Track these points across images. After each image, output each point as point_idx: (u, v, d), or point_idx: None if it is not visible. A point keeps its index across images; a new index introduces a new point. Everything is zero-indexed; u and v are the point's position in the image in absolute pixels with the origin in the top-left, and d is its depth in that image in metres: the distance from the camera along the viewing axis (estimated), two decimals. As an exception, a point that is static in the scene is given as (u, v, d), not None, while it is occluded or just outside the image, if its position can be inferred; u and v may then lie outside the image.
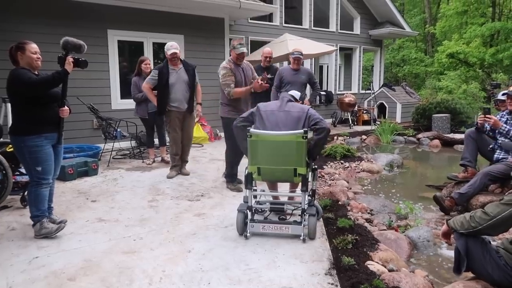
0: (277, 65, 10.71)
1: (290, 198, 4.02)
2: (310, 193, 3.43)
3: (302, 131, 3.18)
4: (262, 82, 4.45)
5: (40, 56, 3.28)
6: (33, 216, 3.33)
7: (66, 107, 3.40)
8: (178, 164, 5.47)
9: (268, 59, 6.10)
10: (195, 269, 2.79)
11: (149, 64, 6.11)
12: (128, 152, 6.86)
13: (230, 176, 4.81)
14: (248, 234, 3.28)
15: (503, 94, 4.74)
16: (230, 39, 9.07)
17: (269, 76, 6.14)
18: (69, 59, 3.28)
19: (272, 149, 3.27)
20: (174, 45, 5.21)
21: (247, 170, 3.37)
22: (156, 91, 5.32)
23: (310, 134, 3.33)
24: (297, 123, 3.32)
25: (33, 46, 3.25)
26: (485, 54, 18.66)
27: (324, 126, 3.35)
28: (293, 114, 3.36)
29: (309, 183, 3.35)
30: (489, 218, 2.07)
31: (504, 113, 4.46)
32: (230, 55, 4.78)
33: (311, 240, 3.25)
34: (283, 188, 4.23)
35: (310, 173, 3.40)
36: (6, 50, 3.30)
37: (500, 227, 2.12)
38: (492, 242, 2.37)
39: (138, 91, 5.93)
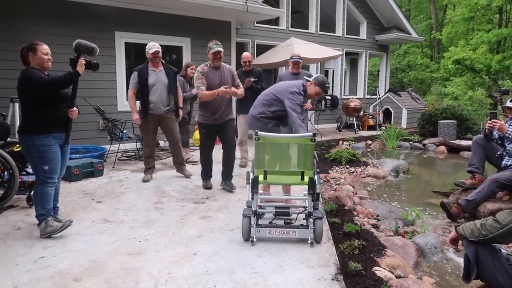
0: (285, 69, 10.72)
1: (288, 201, 3.99)
2: (316, 196, 3.41)
3: (311, 134, 3.17)
4: (233, 89, 4.47)
5: (51, 58, 3.31)
6: (39, 215, 3.33)
7: (75, 108, 3.43)
8: (152, 166, 5.37)
9: (247, 63, 6.27)
10: (200, 272, 2.77)
11: (194, 69, 6.13)
12: (134, 153, 6.87)
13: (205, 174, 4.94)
14: (254, 239, 3.25)
15: (511, 101, 4.70)
16: (237, 43, 9.13)
17: (252, 79, 6.20)
18: (81, 61, 3.30)
19: (280, 152, 3.26)
20: (156, 45, 5.10)
21: (252, 174, 3.35)
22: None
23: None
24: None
25: (45, 48, 3.27)
26: (492, 60, 18.58)
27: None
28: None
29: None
30: (501, 226, 2.04)
31: (513, 120, 4.43)
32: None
33: (318, 245, 3.23)
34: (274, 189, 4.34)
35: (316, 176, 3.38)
36: (14, 51, 3.31)
37: (510, 236, 2.09)
38: (502, 250, 2.33)
39: (183, 91, 5.99)
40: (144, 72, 5.06)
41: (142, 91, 5.06)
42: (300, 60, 5.69)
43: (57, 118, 3.32)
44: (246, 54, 6.35)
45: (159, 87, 5.08)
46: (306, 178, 3.29)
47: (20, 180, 4.08)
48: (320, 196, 3.68)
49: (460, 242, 2.47)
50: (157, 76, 5.10)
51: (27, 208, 4.06)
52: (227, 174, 4.86)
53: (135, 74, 5.08)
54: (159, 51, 5.06)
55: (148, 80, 5.03)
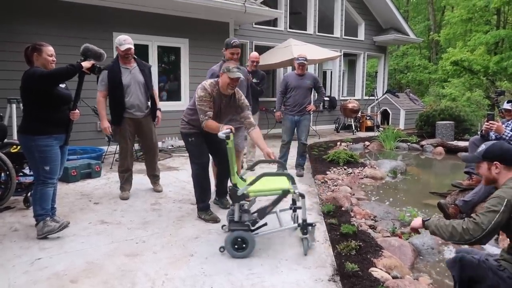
0: (283, 70, 10.75)
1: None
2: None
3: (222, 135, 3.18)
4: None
5: (55, 59, 3.31)
6: (37, 215, 3.34)
7: (77, 110, 3.44)
8: (130, 180, 4.72)
9: (255, 63, 6.13)
10: (197, 273, 2.77)
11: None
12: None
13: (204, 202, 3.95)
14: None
15: (508, 102, 4.72)
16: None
17: (254, 80, 6.20)
18: (90, 61, 3.32)
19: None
20: (127, 40, 4.36)
21: (230, 182, 3.29)
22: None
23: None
24: None
25: (50, 49, 3.29)
26: (490, 62, 18.63)
27: None
28: None
29: None
30: (483, 229, 2.05)
31: (510, 122, 4.45)
32: (216, 77, 3.73)
33: (315, 246, 3.23)
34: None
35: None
36: (12, 52, 3.32)
37: (492, 234, 2.11)
38: (489, 258, 2.30)
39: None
40: (115, 70, 4.36)
41: (115, 93, 4.37)
42: (305, 62, 5.66)
43: (59, 120, 3.34)
44: (255, 54, 6.22)
45: (135, 87, 4.44)
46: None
47: (17, 181, 4.07)
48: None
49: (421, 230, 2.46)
50: (132, 75, 4.43)
51: (24, 209, 4.06)
52: (222, 192, 4.25)
53: (104, 73, 4.31)
54: (131, 48, 4.37)
55: (122, 80, 4.36)
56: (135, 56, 4.54)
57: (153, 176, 4.90)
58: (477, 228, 2.06)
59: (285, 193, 3.07)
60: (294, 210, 3.58)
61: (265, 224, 3.27)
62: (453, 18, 20.76)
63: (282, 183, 3.25)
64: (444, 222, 2.23)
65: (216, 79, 3.66)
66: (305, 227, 3.10)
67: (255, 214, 3.16)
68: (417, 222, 2.44)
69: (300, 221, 3.19)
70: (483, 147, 2.38)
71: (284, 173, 3.30)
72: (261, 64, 8.64)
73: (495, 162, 2.27)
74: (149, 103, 4.65)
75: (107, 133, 4.54)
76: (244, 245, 3.01)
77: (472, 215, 2.19)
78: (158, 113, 4.73)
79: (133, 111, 4.46)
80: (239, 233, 3.01)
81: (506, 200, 2.05)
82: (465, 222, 2.12)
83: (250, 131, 3.67)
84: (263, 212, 3.14)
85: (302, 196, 3.06)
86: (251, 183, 3.08)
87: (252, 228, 3.08)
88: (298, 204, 3.39)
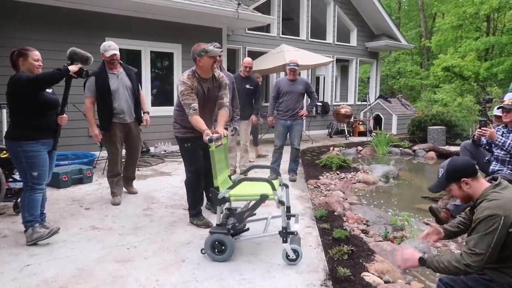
0: (276, 75, 10.78)
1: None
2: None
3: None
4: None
5: (41, 64, 3.29)
6: (26, 221, 3.29)
7: (65, 115, 3.41)
8: (120, 184, 4.70)
9: (248, 68, 6.26)
10: (189, 279, 2.75)
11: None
12: (123, 160, 6.79)
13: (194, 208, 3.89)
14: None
15: (498, 108, 4.77)
16: (228, 49, 9.16)
17: (248, 87, 6.22)
18: (77, 65, 3.30)
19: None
20: (112, 46, 4.39)
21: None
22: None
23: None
24: None
25: (36, 54, 3.26)
26: (480, 68, 18.90)
27: None
28: None
29: None
30: (483, 256, 1.98)
31: (500, 126, 4.49)
32: (195, 64, 3.59)
33: (307, 250, 3.22)
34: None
35: None
36: (5, 57, 3.29)
37: (494, 255, 2.04)
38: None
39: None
40: (103, 76, 4.37)
41: (104, 99, 4.37)
42: (296, 68, 5.70)
43: (46, 125, 3.31)
44: (248, 60, 6.36)
45: (123, 91, 4.45)
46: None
47: (7, 187, 4.02)
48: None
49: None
50: (119, 80, 4.44)
51: (13, 215, 4.01)
52: None
53: (92, 79, 4.31)
54: (116, 54, 4.38)
55: (110, 85, 4.37)
56: (121, 62, 4.57)
57: (130, 179, 4.94)
58: (478, 258, 1.98)
59: (263, 198, 3.02)
60: (288, 218, 3.54)
61: (248, 229, 3.31)
62: (444, 24, 21.05)
63: (263, 188, 3.16)
64: (442, 261, 2.10)
65: (192, 69, 3.60)
66: (284, 235, 3.00)
67: (233, 219, 3.17)
68: (411, 261, 2.25)
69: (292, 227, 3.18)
70: (441, 171, 2.31)
71: (265, 178, 3.18)
72: (254, 70, 8.68)
73: (462, 179, 2.21)
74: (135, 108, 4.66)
75: (98, 140, 4.50)
76: (223, 248, 3.00)
77: (467, 243, 2.07)
78: (147, 117, 4.74)
79: (123, 116, 4.47)
80: (218, 236, 3.00)
81: (502, 218, 1.98)
82: (463, 258, 2.02)
83: (219, 110, 3.72)
84: (241, 216, 3.15)
85: (282, 203, 3.00)
86: (231, 187, 3.09)
87: (232, 232, 3.06)
88: (293, 212, 3.37)
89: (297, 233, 3.19)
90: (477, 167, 2.31)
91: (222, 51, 3.49)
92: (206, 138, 3.16)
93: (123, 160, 4.82)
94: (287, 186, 3.44)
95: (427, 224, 2.63)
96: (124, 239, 3.46)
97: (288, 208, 3.39)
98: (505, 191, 2.12)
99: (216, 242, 3.00)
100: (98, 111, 4.47)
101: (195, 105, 3.45)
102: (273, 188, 3.00)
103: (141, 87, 4.87)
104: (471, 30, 21.05)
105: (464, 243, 2.11)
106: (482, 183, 2.23)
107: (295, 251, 2.98)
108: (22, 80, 3.10)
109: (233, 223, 3.14)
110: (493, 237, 1.97)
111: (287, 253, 2.99)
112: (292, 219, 3.37)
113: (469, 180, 2.21)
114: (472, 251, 2.00)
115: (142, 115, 4.75)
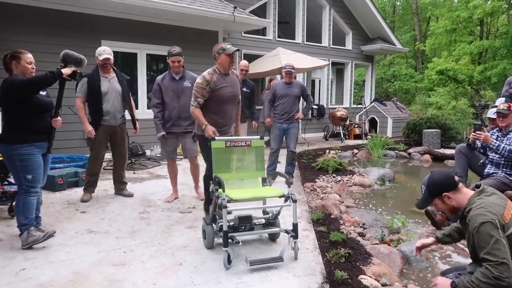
0: (272, 79, 10.80)
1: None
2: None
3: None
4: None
5: (34, 67, 3.27)
6: (21, 224, 3.27)
7: (59, 118, 3.40)
8: (95, 184, 4.87)
9: (244, 72, 6.23)
10: (186, 283, 2.74)
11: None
12: (110, 166, 6.75)
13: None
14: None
15: (494, 113, 4.79)
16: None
17: (244, 89, 6.22)
18: (71, 67, 3.30)
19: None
20: (106, 50, 4.61)
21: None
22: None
23: None
24: None
25: (29, 56, 3.25)
26: (474, 71, 19.05)
27: None
28: None
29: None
30: (508, 261, 1.96)
31: (495, 130, 4.53)
32: (216, 61, 3.94)
33: (304, 254, 3.22)
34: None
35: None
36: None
37: None
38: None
39: None
40: (95, 78, 4.55)
41: (94, 100, 4.56)
42: (292, 70, 5.73)
43: (40, 128, 3.29)
44: (245, 63, 6.34)
45: (113, 95, 4.62)
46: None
47: (1, 190, 4.00)
48: None
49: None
50: (110, 84, 4.62)
51: (8, 219, 3.97)
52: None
53: (84, 81, 4.49)
54: (109, 58, 4.58)
55: (101, 87, 4.55)
56: (114, 67, 4.75)
57: (121, 183, 5.02)
58: (505, 268, 1.95)
59: (285, 198, 3.36)
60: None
61: (253, 228, 3.44)
62: (438, 28, 21.21)
63: (261, 191, 3.47)
64: (473, 281, 2.04)
65: (213, 67, 3.88)
66: (295, 230, 3.17)
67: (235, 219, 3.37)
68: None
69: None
70: (423, 187, 2.36)
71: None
72: (250, 73, 8.69)
73: (444, 194, 2.24)
74: (125, 113, 4.86)
75: (92, 136, 4.60)
76: (206, 235, 3.38)
77: (484, 259, 2.02)
78: (138, 124, 4.95)
79: (108, 118, 4.65)
80: (203, 224, 3.41)
81: (496, 221, 2.00)
82: (489, 271, 1.97)
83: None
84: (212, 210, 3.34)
85: (295, 201, 3.27)
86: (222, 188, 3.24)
87: (207, 221, 3.33)
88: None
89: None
90: (456, 178, 2.36)
91: (238, 50, 3.99)
92: (210, 133, 3.53)
93: (110, 165, 4.86)
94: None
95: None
96: (120, 243, 3.44)
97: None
98: (490, 197, 2.16)
99: (203, 229, 3.43)
100: (91, 112, 4.66)
101: (201, 100, 3.74)
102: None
103: (137, 91, 4.99)
104: (465, 34, 21.22)
105: (480, 258, 2.07)
106: (465, 193, 2.26)
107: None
108: (15, 83, 3.08)
109: (233, 223, 3.32)
110: (503, 242, 1.98)
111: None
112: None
113: (450, 194, 2.25)
114: (495, 262, 1.97)
115: (135, 121, 4.92)
